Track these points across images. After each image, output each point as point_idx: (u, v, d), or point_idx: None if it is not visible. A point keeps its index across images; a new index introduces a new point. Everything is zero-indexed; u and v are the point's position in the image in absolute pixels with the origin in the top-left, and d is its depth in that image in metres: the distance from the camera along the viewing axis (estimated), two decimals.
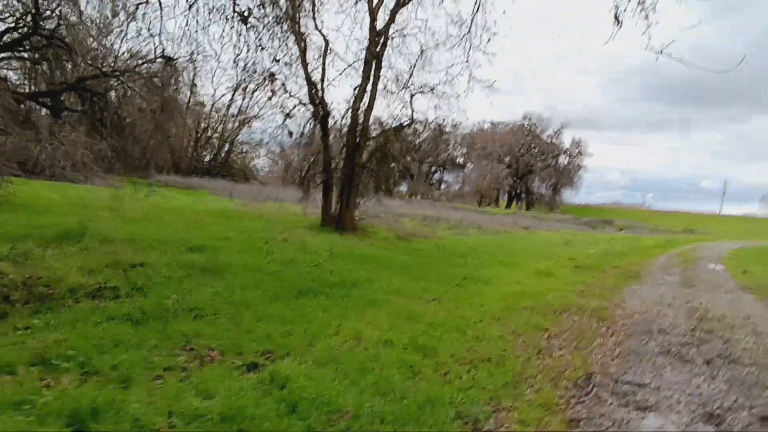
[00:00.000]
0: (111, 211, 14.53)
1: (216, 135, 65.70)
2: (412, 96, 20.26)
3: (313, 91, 19.07)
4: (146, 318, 5.69)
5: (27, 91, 36.55)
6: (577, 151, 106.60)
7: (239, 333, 5.70)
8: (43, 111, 37.27)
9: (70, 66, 35.68)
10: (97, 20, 34.45)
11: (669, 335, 8.27)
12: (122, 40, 39.88)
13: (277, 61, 18.80)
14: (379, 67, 19.01)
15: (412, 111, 20.23)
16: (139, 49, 39.45)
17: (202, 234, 12.66)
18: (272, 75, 18.44)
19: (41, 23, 32.52)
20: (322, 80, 19.13)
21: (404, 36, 19.47)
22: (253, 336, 5.66)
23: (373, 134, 19.92)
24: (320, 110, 19.07)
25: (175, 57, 38.25)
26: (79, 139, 30.52)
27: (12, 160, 27.32)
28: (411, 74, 20.09)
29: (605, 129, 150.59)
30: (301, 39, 18.86)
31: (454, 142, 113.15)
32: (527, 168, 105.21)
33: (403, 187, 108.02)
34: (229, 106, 61.55)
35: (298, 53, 18.76)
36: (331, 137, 19.71)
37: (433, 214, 37.15)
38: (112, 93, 37.66)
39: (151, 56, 38.90)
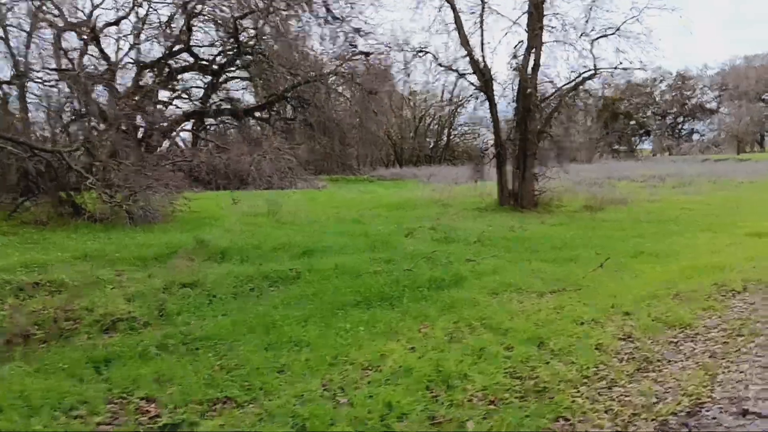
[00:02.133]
0: (268, 217, 14.44)
1: (435, 122, 65.49)
2: (592, 42, 17.51)
3: (473, 58, 17.37)
4: (120, 357, 4.84)
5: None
6: None
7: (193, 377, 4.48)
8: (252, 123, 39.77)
9: (276, 78, 37.89)
10: (293, 30, 36.11)
11: None
12: (320, 43, 41.99)
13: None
14: (540, 17, 16.66)
15: (595, 60, 17.46)
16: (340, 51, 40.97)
17: (337, 232, 11.90)
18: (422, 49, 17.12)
19: (242, 42, 35.14)
20: (482, 44, 17.33)
21: None
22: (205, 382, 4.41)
23: (547, 94, 17.49)
24: (483, 77, 17.27)
25: (370, 51, 38.98)
26: (284, 147, 32.26)
27: (230, 175, 29.95)
28: (588, 17, 17.38)
29: None
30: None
31: (702, 86, 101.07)
32: None
33: (647, 145, 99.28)
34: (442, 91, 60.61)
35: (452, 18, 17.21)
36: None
37: (661, 173, 32.58)
38: (322, 97, 38.96)
39: (348, 54, 40.33)
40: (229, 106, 39.55)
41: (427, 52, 17.67)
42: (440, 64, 17.90)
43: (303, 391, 4.15)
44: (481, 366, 4.55)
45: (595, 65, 17.45)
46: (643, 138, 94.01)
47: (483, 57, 17.30)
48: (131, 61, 36.33)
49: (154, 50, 37.70)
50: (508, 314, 5.96)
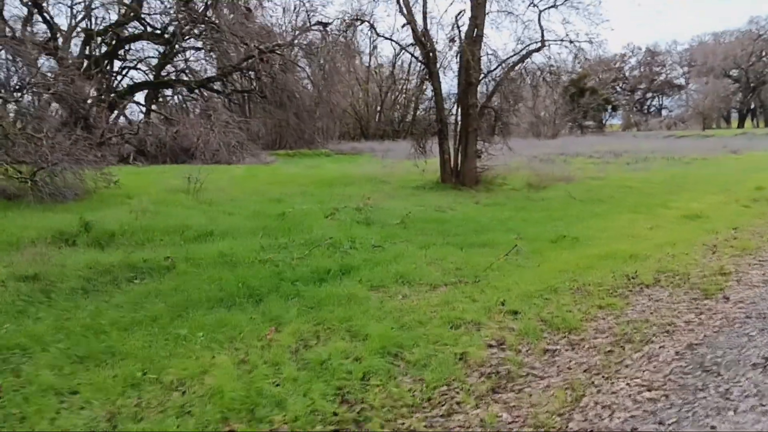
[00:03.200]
0: (187, 194, 13.59)
1: (403, 95, 64.36)
2: (540, 13, 16.76)
3: (414, 28, 16.50)
4: None
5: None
6: None
7: None
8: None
9: (230, 49, 36.53)
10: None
11: None
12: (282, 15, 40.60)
13: None
14: None
15: (542, 31, 16.72)
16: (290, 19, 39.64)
17: (250, 213, 11.11)
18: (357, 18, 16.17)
19: (193, 10, 33.70)
20: (424, 14, 16.43)
21: None
22: None
23: (491, 68, 16.72)
24: (425, 49, 16.44)
25: (330, 21, 37.62)
26: (234, 120, 31.13)
27: (176, 149, 28.84)
28: None
29: None
30: None
31: (671, 62, 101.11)
32: (760, 79, 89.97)
33: (617, 120, 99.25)
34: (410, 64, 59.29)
35: None
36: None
37: (619, 149, 32.20)
38: (276, 69, 37.67)
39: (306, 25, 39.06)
40: (179, 78, 38.14)
41: (363, 21, 16.78)
42: (378, 34, 17.06)
43: (74, 425, 3.41)
44: (311, 386, 3.85)
45: (543, 37, 16.73)
46: (612, 114, 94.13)
47: (426, 28, 16.43)
48: (80, 29, 35.06)
49: (107, 19, 36.37)
50: (379, 314, 5.27)
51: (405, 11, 16.40)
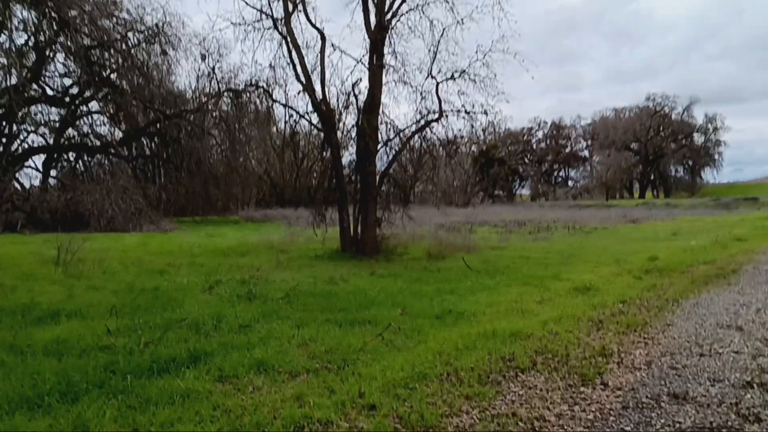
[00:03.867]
0: (54, 266, 12.45)
1: (319, 162, 63.98)
2: (438, 84, 16.85)
3: (313, 95, 16.24)
4: None
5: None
6: (711, 127, 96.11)
7: None
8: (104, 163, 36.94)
9: (134, 113, 35.43)
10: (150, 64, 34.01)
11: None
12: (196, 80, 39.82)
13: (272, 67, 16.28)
14: (380, 54, 15.86)
15: (440, 102, 16.77)
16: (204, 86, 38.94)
17: (120, 287, 10.14)
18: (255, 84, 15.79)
19: (96, 73, 32.56)
20: (323, 81, 16.23)
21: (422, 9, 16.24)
22: None
23: (390, 136, 16.55)
24: (324, 116, 16.15)
25: (240, 88, 37.14)
26: (132, 186, 29.89)
27: (69, 216, 27.17)
28: (434, 57, 16.74)
29: (747, 101, 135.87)
30: (292, 38, 16.18)
31: (576, 136, 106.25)
32: (658, 152, 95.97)
33: (527, 190, 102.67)
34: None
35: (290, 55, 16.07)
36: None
37: (524, 218, 32.81)
38: (183, 134, 36.71)
39: (215, 91, 38.45)
40: (82, 143, 36.52)
41: (258, 87, 16.42)
42: (276, 101, 16.69)
43: None
44: None
45: (440, 108, 16.78)
46: (522, 183, 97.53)
47: (324, 95, 16.21)
48: None
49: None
50: (213, 415, 4.52)
51: (303, 78, 16.15)
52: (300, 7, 16.54)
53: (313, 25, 16.31)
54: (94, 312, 8.07)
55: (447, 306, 8.88)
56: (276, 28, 15.93)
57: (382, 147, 16.38)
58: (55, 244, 13.70)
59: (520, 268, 13.48)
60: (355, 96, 15.82)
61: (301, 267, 13.98)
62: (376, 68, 15.57)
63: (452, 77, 16.90)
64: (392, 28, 16.21)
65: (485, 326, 7.43)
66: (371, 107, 15.65)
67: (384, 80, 15.93)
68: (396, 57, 16.08)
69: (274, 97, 17.08)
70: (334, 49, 16.46)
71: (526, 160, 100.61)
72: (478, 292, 10.27)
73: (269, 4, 16.26)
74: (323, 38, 16.27)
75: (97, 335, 6.69)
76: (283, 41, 15.94)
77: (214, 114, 38.34)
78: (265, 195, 60.02)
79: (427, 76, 16.93)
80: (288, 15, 16.30)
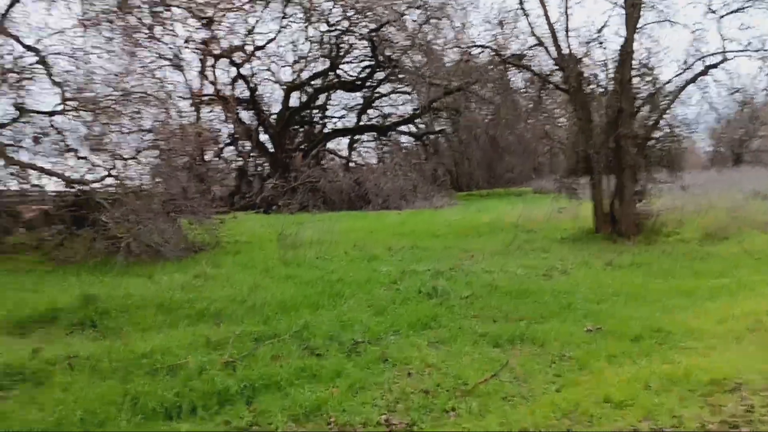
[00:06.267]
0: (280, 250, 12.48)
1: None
2: (721, 18, 13.23)
3: (559, 50, 13.88)
4: None
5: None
6: None
7: None
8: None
9: (419, 89, 35.79)
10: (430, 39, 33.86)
11: None
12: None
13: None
14: None
15: (724, 42, 13.12)
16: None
17: (303, 281, 9.55)
18: None
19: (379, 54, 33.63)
20: (567, 31, 13.75)
21: None
22: None
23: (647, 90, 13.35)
24: (570, 72, 13.69)
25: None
26: (407, 163, 30.14)
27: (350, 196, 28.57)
28: None
29: None
30: None
31: None
32: None
33: None
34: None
35: None
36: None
37: None
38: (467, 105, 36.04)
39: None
40: (375, 124, 38.25)
41: (484, 47, 14.52)
42: (503, 59, 14.59)
43: None
44: None
45: (724, 48, 13.08)
46: None
47: (570, 48, 13.73)
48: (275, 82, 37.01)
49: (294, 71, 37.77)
50: None
51: (545, 30, 13.90)
52: None
53: None
54: (239, 312, 7.43)
55: (658, 321, 6.37)
56: None
57: (643, 104, 13.35)
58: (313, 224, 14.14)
59: None
60: (601, 44, 13.07)
61: (533, 252, 12.07)
62: (631, 7, 12.60)
63: (742, 8, 13.03)
64: None
65: (690, 359, 4.98)
66: (624, 57, 12.77)
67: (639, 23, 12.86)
68: None
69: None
70: None
71: None
72: (723, 295, 7.38)
73: None
74: None
75: (196, 347, 5.96)
76: None
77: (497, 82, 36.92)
78: (571, 163, 56.86)
79: (707, 12, 13.30)
80: None
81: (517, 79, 33.34)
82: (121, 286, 9.01)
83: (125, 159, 13.66)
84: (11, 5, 15.35)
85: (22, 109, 13.84)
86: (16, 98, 14.41)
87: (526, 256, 11.56)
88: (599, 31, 13.01)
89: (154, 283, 9.60)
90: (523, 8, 13.94)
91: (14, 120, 14.20)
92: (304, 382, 5.02)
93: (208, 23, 32.78)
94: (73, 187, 13.45)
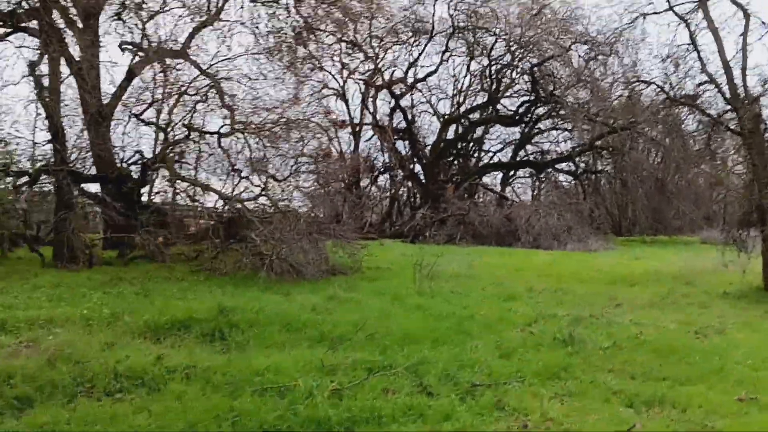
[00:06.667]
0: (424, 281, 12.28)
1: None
2: None
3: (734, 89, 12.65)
4: None
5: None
6: None
7: None
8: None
9: (580, 126, 34.48)
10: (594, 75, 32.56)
11: None
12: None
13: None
14: None
15: None
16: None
17: (434, 314, 9.27)
18: None
19: (540, 89, 32.82)
20: (744, 72, 12.46)
21: None
22: None
23: None
24: (744, 109, 12.34)
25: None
26: (562, 202, 28.91)
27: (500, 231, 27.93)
28: None
29: None
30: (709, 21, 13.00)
31: None
32: None
33: None
34: None
35: None
36: None
37: None
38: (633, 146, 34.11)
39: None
40: (533, 159, 37.32)
41: (649, 83, 13.49)
42: (670, 98, 13.46)
43: None
44: None
45: None
46: None
47: (746, 87, 12.43)
48: (433, 114, 37.38)
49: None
50: None
51: (720, 67, 12.72)
52: None
53: (734, 1, 12.70)
54: (365, 339, 7.32)
55: None
56: (672, 10, 12.93)
57: None
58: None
59: None
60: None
61: (689, 306, 10.91)
62: None
63: None
64: None
65: None
66: None
67: None
68: None
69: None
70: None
71: None
72: None
73: None
74: (747, 17, 12.53)
75: (311, 369, 5.88)
76: (685, 27, 12.82)
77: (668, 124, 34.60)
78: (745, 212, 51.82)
79: None
80: None
81: (689, 120, 31.13)
82: (258, 301, 9.30)
83: (278, 180, 14.31)
84: (193, 34, 16.79)
85: (191, 128, 14.97)
86: (189, 118, 15.70)
87: (682, 310, 10.47)
88: None
89: (289, 301, 9.84)
90: (694, 43, 12.84)
91: (187, 138, 15.37)
92: (408, 421, 4.74)
93: (374, 56, 34.15)
94: (229, 204, 14.26)
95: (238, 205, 13.90)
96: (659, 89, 14.72)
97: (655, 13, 13.66)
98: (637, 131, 32.74)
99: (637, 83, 17.62)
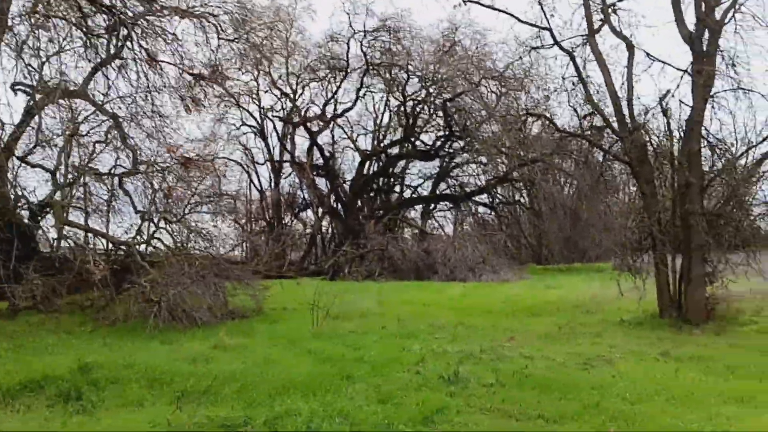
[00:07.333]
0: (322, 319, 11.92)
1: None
2: None
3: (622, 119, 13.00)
4: None
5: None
6: None
7: None
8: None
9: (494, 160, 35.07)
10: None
11: None
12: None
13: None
14: (712, 55, 11.94)
15: None
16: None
17: (340, 352, 8.94)
18: None
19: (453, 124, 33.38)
20: (630, 104, 12.83)
21: None
22: None
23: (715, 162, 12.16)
24: (633, 145, 12.67)
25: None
26: (475, 234, 29.23)
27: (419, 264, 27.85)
28: None
29: None
30: (597, 54, 13.38)
31: None
32: None
33: None
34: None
35: None
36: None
37: None
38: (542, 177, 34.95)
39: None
40: (451, 194, 37.69)
41: (540, 116, 13.78)
42: (559, 130, 13.78)
43: None
44: None
45: None
46: None
47: (633, 117, 12.78)
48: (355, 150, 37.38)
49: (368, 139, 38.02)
50: None
51: (607, 100, 13.12)
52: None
53: (619, 35, 13.15)
54: (229, 388, 6.88)
55: None
56: (558, 45, 13.30)
57: (715, 177, 12.19)
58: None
59: None
60: (665, 113, 12.05)
61: (584, 336, 10.95)
62: (695, 73, 11.68)
63: None
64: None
65: None
66: (691, 127, 11.76)
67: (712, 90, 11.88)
68: (723, 57, 11.89)
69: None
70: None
71: None
72: None
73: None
74: (631, 48, 12.97)
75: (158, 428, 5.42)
76: (570, 60, 13.18)
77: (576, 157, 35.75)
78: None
79: None
80: (593, 31, 13.48)
81: (598, 151, 32.01)
82: (133, 354, 8.74)
83: (171, 222, 13.72)
84: (93, 73, 16.06)
85: (81, 171, 14.24)
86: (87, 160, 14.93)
87: (575, 340, 10.49)
88: (662, 99, 12.00)
89: (171, 351, 9.34)
90: (580, 76, 13.18)
91: (75, 180, 14.60)
92: None
93: (292, 93, 34.05)
94: (119, 249, 13.55)
95: (128, 249, 13.20)
96: (548, 122, 15.00)
97: (543, 47, 13.97)
98: (547, 163, 33.69)
99: (526, 116, 17.97)
